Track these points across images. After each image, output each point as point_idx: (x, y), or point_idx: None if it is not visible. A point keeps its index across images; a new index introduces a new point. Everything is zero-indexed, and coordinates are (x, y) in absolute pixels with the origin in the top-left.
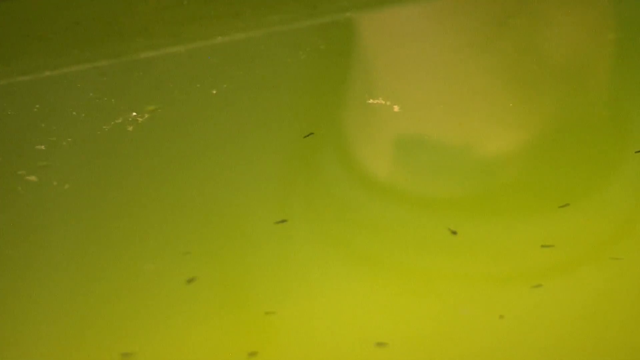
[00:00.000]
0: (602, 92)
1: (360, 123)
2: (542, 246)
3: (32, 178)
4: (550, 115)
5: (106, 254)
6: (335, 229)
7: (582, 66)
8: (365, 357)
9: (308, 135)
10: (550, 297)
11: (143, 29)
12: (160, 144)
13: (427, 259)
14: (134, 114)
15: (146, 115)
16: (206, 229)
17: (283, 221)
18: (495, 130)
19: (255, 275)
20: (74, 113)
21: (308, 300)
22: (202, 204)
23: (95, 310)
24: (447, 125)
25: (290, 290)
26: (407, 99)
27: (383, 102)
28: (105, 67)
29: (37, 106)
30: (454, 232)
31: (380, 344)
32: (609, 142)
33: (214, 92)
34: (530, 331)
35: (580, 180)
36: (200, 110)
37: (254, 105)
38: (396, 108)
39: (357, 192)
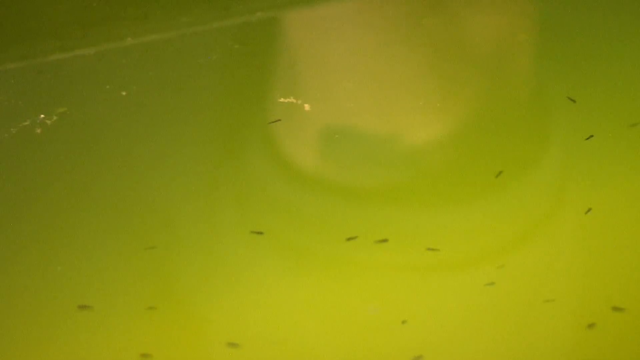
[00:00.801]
0: (516, 87)
1: (275, 120)
2: (464, 238)
3: None
4: (468, 109)
5: (18, 260)
6: (262, 223)
7: (497, 63)
8: (297, 349)
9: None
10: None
11: (52, 31)
12: (69, 146)
13: (355, 250)
14: (42, 116)
15: (55, 118)
16: (122, 229)
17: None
18: (414, 124)
19: (181, 270)
20: None
21: (233, 294)
22: (114, 205)
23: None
24: (364, 121)
25: (215, 285)
26: (323, 97)
27: (295, 100)
28: (13, 70)
29: None
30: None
31: (309, 338)
32: (525, 134)
33: (124, 93)
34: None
35: (499, 170)
36: (110, 112)
37: (165, 106)
38: (307, 107)
39: (282, 187)
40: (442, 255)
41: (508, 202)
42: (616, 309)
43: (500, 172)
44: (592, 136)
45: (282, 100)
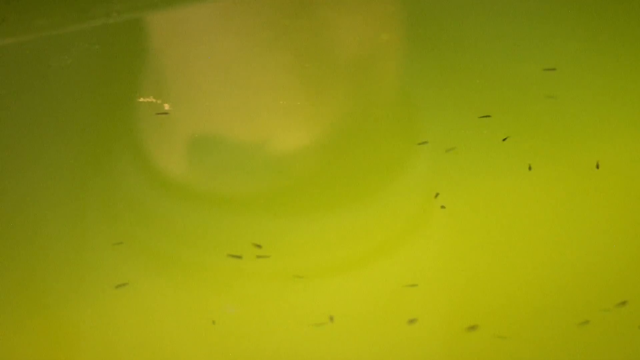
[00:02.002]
0: (384, 88)
1: (134, 122)
2: (342, 240)
3: None
4: (337, 111)
5: None
6: (130, 231)
7: (362, 65)
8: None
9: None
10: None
11: None
12: None
13: (226, 259)
14: None
15: None
16: None
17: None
18: (280, 128)
19: (47, 277)
20: None
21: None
22: None
23: None
24: (232, 124)
25: (82, 292)
26: (184, 99)
27: (154, 100)
28: None
29: None
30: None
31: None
32: (394, 137)
33: None
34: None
35: (369, 173)
36: None
37: (24, 110)
38: (167, 106)
39: (149, 192)
40: (304, 260)
41: (380, 206)
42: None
43: (369, 177)
44: (453, 149)
45: (142, 100)
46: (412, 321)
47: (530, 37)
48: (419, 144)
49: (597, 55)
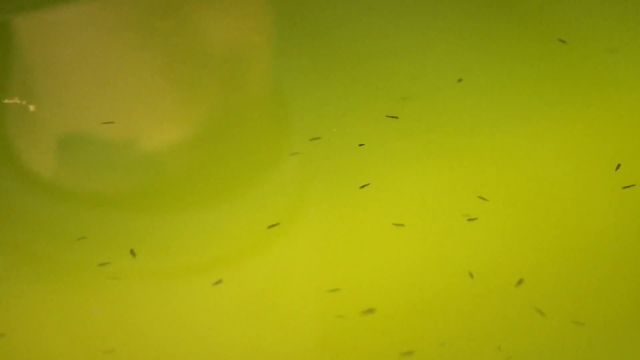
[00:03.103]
0: (254, 88)
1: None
2: (214, 239)
3: None
4: (205, 112)
5: None
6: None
7: (232, 65)
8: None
9: None
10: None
11: None
12: None
13: (95, 260)
14: None
15: None
16: None
17: None
18: (149, 128)
19: None
20: None
21: None
22: None
23: None
24: (100, 125)
25: None
26: (51, 100)
27: (19, 101)
28: None
29: None
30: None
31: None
32: (266, 135)
33: None
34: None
35: (239, 172)
36: None
37: None
38: (32, 107)
39: (17, 193)
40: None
41: (252, 204)
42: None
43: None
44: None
45: (7, 101)
46: (279, 318)
47: (440, 48)
48: (293, 149)
49: (499, 68)
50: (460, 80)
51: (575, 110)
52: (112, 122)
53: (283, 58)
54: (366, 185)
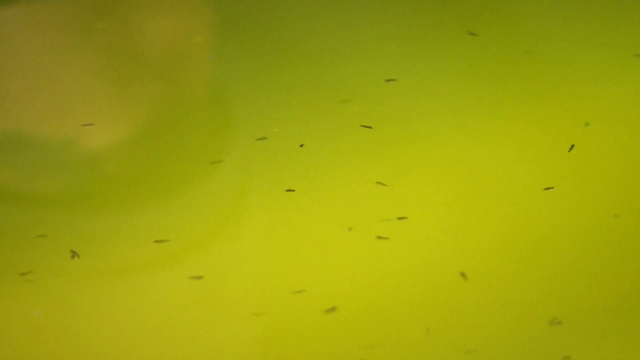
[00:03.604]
0: (196, 87)
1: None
2: (156, 241)
3: None
4: (145, 112)
5: None
6: None
7: (172, 66)
8: None
9: None
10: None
11: None
12: None
13: (41, 259)
14: None
15: None
16: None
17: None
18: (89, 129)
19: None
20: None
21: None
22: None
23: None
24: (37, 126)
25: None
26: None
27: None
28: None
29: None
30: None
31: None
32: (206, 134)
33: None
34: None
35: (179, 171)
36: None
37: None
38: None
39: None
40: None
41: (193, 203)
42: None
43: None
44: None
45: None
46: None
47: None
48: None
49: (431, 68)
50: (390, 80)
51: (509, 108)
52: (49, 123)
53: (224, 58)
54: (295, 189)
